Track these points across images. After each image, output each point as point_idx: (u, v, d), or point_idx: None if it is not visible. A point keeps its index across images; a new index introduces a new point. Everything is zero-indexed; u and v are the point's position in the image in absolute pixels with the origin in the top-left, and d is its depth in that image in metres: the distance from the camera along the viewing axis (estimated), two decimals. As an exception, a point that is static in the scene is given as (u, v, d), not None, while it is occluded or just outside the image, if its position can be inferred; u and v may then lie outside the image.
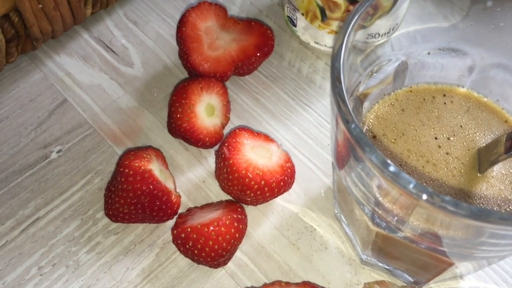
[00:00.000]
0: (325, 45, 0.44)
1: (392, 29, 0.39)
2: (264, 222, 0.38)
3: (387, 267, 0.34)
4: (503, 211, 0.30)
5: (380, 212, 0.27)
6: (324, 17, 0.42)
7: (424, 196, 0.23)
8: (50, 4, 0.40)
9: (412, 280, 0.34)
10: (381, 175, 0.23)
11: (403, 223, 0.26)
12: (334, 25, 0.42)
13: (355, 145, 0.24)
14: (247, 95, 0.44)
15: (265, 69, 0.45)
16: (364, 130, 0.33)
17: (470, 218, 0.22)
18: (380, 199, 0.26)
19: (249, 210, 0.38)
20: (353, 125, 0.24)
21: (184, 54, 0.41)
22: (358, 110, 0.32)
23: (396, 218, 0.26)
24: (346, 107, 0.24)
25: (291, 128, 0.42)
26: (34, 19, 0.40)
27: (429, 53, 0.33)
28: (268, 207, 0.39)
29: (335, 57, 0.25)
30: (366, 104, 0.32)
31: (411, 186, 0.23)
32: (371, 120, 0.33)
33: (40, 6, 0.40)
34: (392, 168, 0.23)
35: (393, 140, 0.32)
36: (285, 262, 0.37)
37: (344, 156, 0.27)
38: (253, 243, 0.38)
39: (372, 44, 0.33)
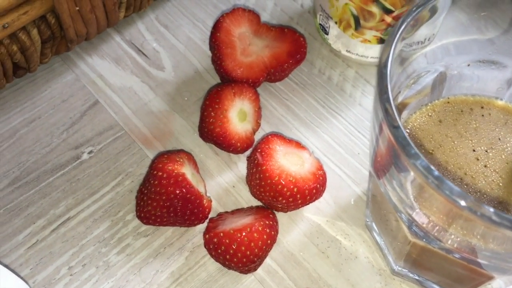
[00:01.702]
0: (356, 54, 0.44)
1: (429, 39, 0.38)
2: (293, 229, 0.38)
3: (418, 278, 0.34)
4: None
5: (419, 221, 0.27)
6: (358, 26, 0.42)
7: (467, 204, 0.22)
8: (86, 7, 0.41)
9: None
10: (425, 181, 0.23)
11: (443, 233, 0.26)
12: (368, 34, 0.42)
13: (399, 150, 0.24)
14: (278, 101, 0.44)
15: (296, 76, 0.45)
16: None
17: (512, 230, 0.22)
18: (421, 207, 0.26)
19: (279, 216, 0.38)
20: (399, 130, 0.24)
21: (218, 59, 0.41)
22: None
23: (436, 227, 0.26)
24: (393, 113, 0.24)
25: (321, 136, 0.42)
26: (71, 21, 0.41)
27: (468, 65, 0.33)
28: (298, 215, 0.39)
29: (384, 65, 0.25)
30: (404, 114, 0.32)
31: (455, 193, 0.22)
32: (408, 131, 0.33)
33: (77, 8, 0.40)
34: (436, 174, 0.23)
35: (430, 151, 0.32)
36: (314, 270, 0.37)
37: (386, 164, 0.27)
38: (283, 250, 0.38)
39: (410, 54, 0.33)
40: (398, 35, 0.26)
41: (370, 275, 0.37)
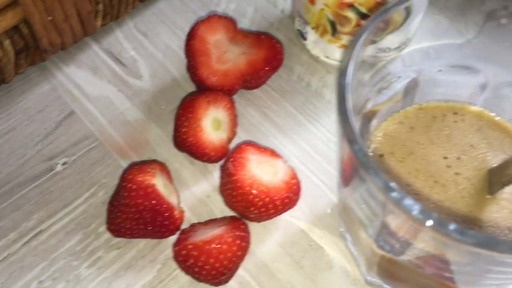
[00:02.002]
0: (335, 60, 0.44)
1: (404, 44, 0.38)
2: (268, 239, 0.38)
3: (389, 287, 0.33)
4: (514, 235, 0.28)
5: (384, 234, 0.26)
6: (334, 31, 0.41)
7: (429, 223, 0.22)
8: (59, 16, 0.40)
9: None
10: (385, 198, 0.23)
11: (407, 247, 0.25)
12: (345, 39, 0.42)
13: (358, 166, 0.23)
14: (255, 109, 0.43)
15: (274, 83, 0.45)
16: (372, 149, 0.32)
17: (476, 247, 0.21)
18: (384, 221, 0.25)
19: (253, 226, 0.38)
20: (357, 147, 0.23)
21: (192, 67, 0.40)
22: (366, 128, 0.31)
23: (400, 241, 0.25)
24: (350, 127, 0.23)
25: (299, 144, 0.42)
26: (44, 31, 0.41)
27: (440, 70, 0.32)
28: (272, 224, 0.38)
29: (342, 74, 0.24)
30: (374, 122, 0.32)
31: (415, 212, 0.22)
32: (379, 138, 0.32)
33: (50, 18, 0.40)
34: (395, 194, 0.22)
35: (401, 159, 0.31)
36: (288, 281, 0.36)
37: (349, 175, 0.26)
38: (256, 261, 0.37)
39: (382, 60, 0.32)
40: (360, 41, 0.25)
41: (345, 285, 0.36)
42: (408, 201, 0.22)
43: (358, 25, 0.40)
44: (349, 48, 0.26)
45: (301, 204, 0.38)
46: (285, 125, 0.43)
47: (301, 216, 0.39)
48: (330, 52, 0.43)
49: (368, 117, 0.31)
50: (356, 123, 0.29)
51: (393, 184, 0.22)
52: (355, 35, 0.26)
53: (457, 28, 0.32)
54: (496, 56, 0.30)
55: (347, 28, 0.41)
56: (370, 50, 0.36)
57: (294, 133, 0.42)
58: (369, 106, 0.31)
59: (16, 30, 0.40)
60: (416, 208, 0.22)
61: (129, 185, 0.35)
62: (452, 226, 0.21)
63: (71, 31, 0.43)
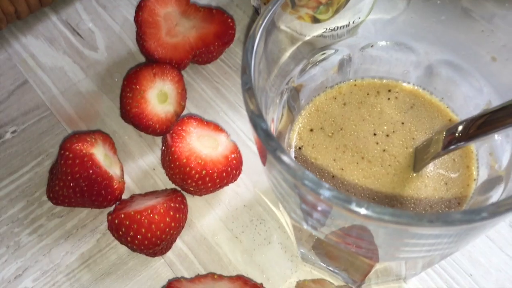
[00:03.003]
0: (295, 31, 0.43)
1: (353, 22, 0.37)
2: (209, 213, 0.38)
3: (324, 264, 0.33)
4: (435, 211, 0.28)
5: (298, 210, 0.26)
6: (293, 4, 0.41)
7: (326, 193, 0.21)
8: (9, -16, 0.40)
9: (351, 280, 0.33)
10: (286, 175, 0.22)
11: (320, 222, 0.25)
12: (301, 11, 0.41)
13: (262, 142, 0.23)
14: (208, 84, 0.43)
15: (229, 58, 0.44)
16: (302, 123, 0.32)
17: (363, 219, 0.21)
18: (295, 198, 0.25)
19: (195, 200, 0.38)
20: (260, 124, 0.23)
21: (140, 39, 0.40)
22: (297, 101, 0.31)
23: (313, 217, 0.25)
24: (253, 101, 0.23)
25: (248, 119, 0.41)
26: (-6, -1, 0.40)
27: (372, 46, 0.31)
28: (215, 198, 0.38)
29: (249, 42, 0.24)
30: (305, 95, 0.31)
31: (306, 181, 0.21)
32: (309, 113, 0.32)
33: (0, -15, 0.40)
34: (300, 173, 0.22)
35: (330, 134, 0.31)
36: (226, 255, 0.36)
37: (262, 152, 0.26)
38: (196, 234, 0.37)
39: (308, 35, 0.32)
40: (272, 8, 0.25)
41: (282, 261, 0.36)
42: (309, 176, 0.22)
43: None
44: (259, 18, 0.26)
45: (245, 179, 0.38)
46: (236, 101, 0.42)
47: (244, 191, 0.39)
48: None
49: (297, 90, 0.31)
50: (277, 96, 0.29)
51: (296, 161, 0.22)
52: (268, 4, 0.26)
53: (385, 4, 0.31)
54: (425, 32, 0.29)
55: (303, 1, 0.40)
56: (315, 30, 0.36)
57: (244, 108, 0.42)
58: (299, 79, 0.31)
59: (-33, -3, 0.40)
60: (308, 177, 0.21)
61: (66, 153, 0.35)
62: (328, 192, 0.21)
63: (25, 1, 0.43)
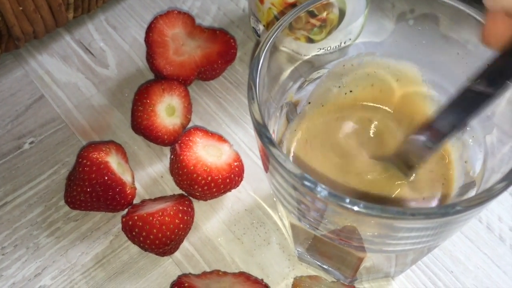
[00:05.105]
0: (292, 50, 0.47)
1: (344, 43, 0.41)
2: (213, 216, 0.41)
3: (318, 263, 0.36)
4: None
5: (300, 211, 0.29)
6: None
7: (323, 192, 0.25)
8: (30, 7, 0.44)
9: (342, 276, 0.37)
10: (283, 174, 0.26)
11: (319, 222, 0.29)
12: (298, 33, 0.45)
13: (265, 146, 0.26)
14: (211, 99, 0.47)
15: (230, 75, 0.48)
16: (299, 134, 0.35)
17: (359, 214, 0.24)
18: (297, 199, 0.28)
19: (201, 205, 0.41)
20: (264, 133, 0.26)
21: (150, 57, 0.44)
22: (293, 114, 0.35)
23: (313, 218, 0.29)
24: (258, 114, 0.27)
25: (249, 132, 0.45)
26: (15, 20, 0.44)
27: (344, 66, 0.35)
28: (219, 203, 0.42)
29: (254, 62, 0.28)
30: (301, 109, 0.35)
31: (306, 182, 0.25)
32: (306, 125, 0.35)
33: (21, 8, 0.43)
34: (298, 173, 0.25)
35: (323, 145, 0.34)
36: (229, 254, 0.39)
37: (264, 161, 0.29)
38: (201, 236, 0.40)
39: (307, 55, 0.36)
40: (275, 32, 0.29)
41: (280, 260, 0.39)
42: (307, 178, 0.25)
43: (307, 22, 0.44)
44: (263, 41, 0.29)
45: (246, 186, 0.42)
46: (237, 114, 0.46)
47: (246, 197, 0.42)
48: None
49: (295, 104, 0.34)
50: (278, 109, 0.33)
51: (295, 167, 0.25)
52: (272, 27, 0.29)
53: (375, 28, 0.35)
54: (407, 53, 0.33)
55: (299, 25, 0.44)
56: (310, 49, 0.40)
57: (245, 122, 0.46)
58: (297, 95, 0.34)
59: (-10, 19, 0.43)
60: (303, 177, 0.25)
61: (84, 161, 0.38)
62: (322, 189, 0.24)
63: (42, 21, 0.46)
